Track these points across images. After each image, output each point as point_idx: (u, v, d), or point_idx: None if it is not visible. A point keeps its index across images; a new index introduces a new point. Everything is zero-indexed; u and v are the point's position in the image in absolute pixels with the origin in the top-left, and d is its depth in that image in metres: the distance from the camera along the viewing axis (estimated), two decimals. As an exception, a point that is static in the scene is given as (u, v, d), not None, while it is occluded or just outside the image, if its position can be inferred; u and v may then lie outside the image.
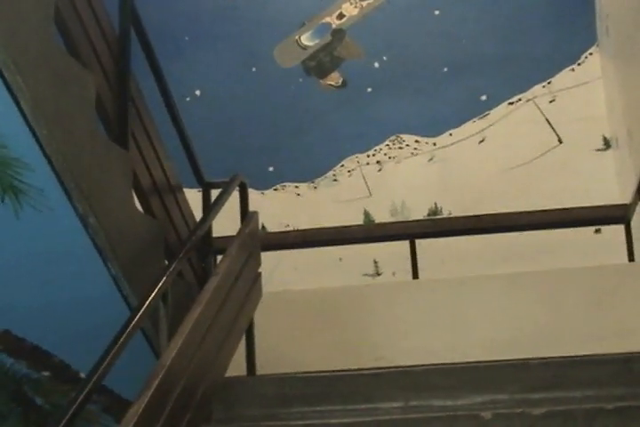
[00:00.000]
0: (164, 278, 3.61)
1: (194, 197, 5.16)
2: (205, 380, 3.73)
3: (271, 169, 8.15)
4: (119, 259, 3.71)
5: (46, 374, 4.19)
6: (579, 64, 7.90)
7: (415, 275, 6.01)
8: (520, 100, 7.93)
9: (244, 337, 4.61)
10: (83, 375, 4.05)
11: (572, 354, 4.72)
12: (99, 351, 3.14)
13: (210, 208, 4.59)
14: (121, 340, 3.20)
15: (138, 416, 2.98)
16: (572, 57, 7.89)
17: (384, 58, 8.03)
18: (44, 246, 3.61)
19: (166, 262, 4.19)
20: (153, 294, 3.49)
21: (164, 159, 4.76)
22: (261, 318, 4.94)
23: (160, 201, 4.60)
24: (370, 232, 6.71)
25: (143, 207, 4.45)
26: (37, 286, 3.76)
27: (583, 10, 7.79)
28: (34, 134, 3.35)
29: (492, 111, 7.92)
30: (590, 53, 7.88)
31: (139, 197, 4.42)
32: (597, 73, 7.77)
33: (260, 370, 4.82)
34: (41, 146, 3.37)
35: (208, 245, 4.89)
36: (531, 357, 4.56)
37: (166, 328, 3.64)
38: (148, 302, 3.44)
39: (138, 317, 3.36)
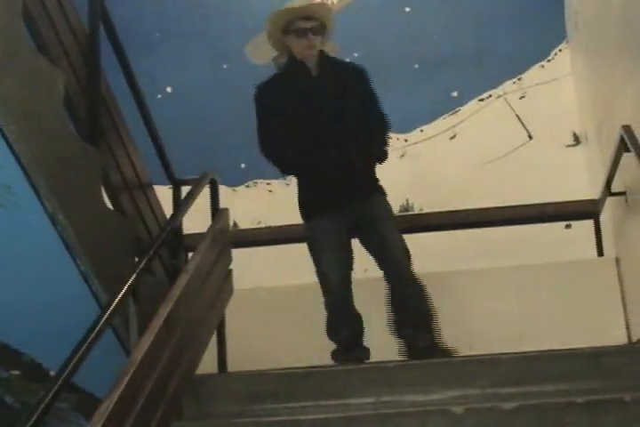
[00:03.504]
0: (134, 275, 3.60)
1: (165, 194, 5.15)
2: (176, 377, 3.72)
3: (243, 166, 8.13)
4: (88, 256, 3.70)
5: (16, 372, 4.17)
6: (548, 60, 7.94)
7: (387, 271, 6.00)
8: (490, 96, 7.95)
9: (215, 334, 4.61)
10: (53, 374, 4.03)
11: (543, 349, 4.75)
12: (70, 350, 3.13)
13: (180, 205, 4.59)
14: (91, 337, 3.19)
15: (108, 413, 2.97)
16: (541, 53, 7.92)
17: (355, 55, 8.01)
18: (11, 244, 3.60)
19: (136, 259, 4.19)
20: (123, 291, 3.48)
21: (134, 156, 4.76)
22: (234, 315, 4.93)
23: (130, 198, 4.59)
24: (342, 228, 6.69)
25: (113, 204, 4.45)
26: (5, 283, 3.74)
27: (553, 6, 7.81)
28: (1, 131, 3.34)
29: (462, 107, 7.93)
30: (560, 50, 7.91)
31: (109, 195, 4.42)
32: (567, 69, 7.81)
33: (231, 367, 4.81)
34: (9, 143, 3.36)
35: (179, 242, 4.88)
36: (502, 352, 4.58)
37: (136, 325, 3.63)
38: (117, 299, 3.44)
39: (107, 314, 3.36)
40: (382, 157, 4.64)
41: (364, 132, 4.57)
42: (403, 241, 4.57)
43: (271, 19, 4.67)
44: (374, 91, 4.72)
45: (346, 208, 4.54)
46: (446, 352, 4.35)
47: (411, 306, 4.45)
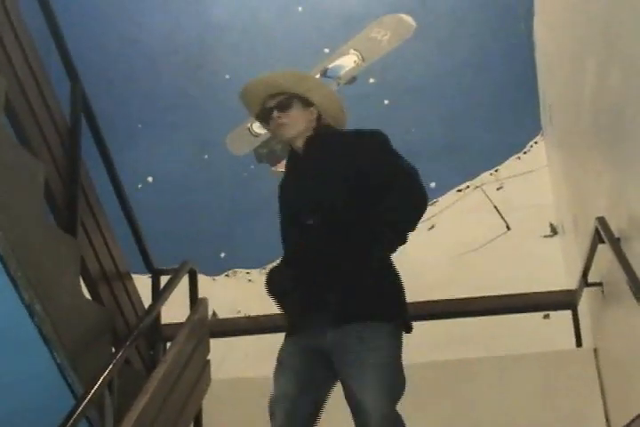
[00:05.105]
0: (110, 367, 3.58)
1: (145, 283, 5.15)
2: (151, 470, 3.67)
3: (223, 255, 8.15)
4: (65, 347, 3.67)
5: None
6: (525, 153, 8.06)
7: (365, 362, 5.97)
8: (468, 187, 8.05)
9: (192, 426, 4.57)
10: (26, 467, 3.96)
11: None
12: (43, 443, 3.10)
13: (158, 295, 4.59)
14: (65, 430, 3.16)
15: None
16: (518, 146, 8.06)
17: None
18: (-13, 335, 3.57)
19: (113, 350, 4.17)
20: (98, 383, 3.46)
21: (112, 246, 4.76)
22: (212, 406, 4.88)
23: (108, 288, 4.58)
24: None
25: (91, 295, 4.44)
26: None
27: (528, 100, 7.98)
28: (-21, 223, 3.34)
29: (440, 198, 8.01)
30: (535, 142, 8.05)
31: (87, 285, 4.41)
32: (543, 161, 7.93)
33: (208, 460, 4.75)
34: (-15, 234, 3.36)
35: (156, 333, 4.86)
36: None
37: (112, 417, 3.59)
38: (93, 391, 3.41)
39: (82, 406, 3.33)
40: (385, 257, 3.44)
41: (357, 235, 3.30)
42: (390, 408, 3.14)
43: (248, 110, 3.75)
44: (393, 161, 3.47)
45: (320, 336, 3.27)
46: None
47: None
